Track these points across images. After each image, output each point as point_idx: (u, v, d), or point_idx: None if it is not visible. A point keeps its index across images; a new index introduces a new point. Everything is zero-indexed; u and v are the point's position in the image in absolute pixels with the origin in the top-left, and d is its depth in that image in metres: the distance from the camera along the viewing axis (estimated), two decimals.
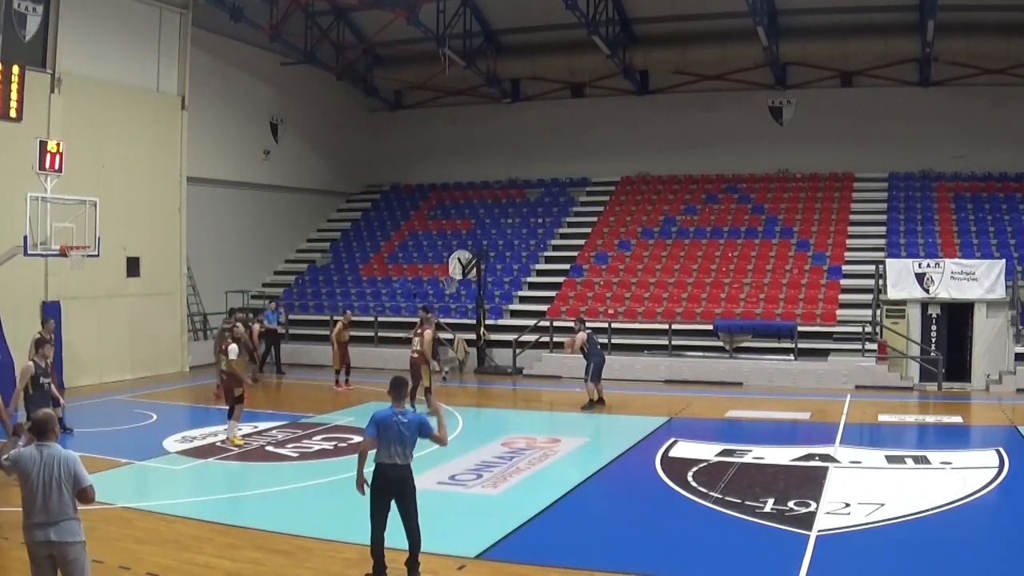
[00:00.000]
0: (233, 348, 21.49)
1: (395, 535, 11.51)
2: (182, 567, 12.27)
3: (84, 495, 9.30)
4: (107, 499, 15.07)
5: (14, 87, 25.94)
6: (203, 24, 34.94)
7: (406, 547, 11.60)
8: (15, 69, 25.82)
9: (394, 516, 11.51)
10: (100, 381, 28.97)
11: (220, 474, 18.33)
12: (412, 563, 11.67)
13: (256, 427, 22.20)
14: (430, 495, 16.03)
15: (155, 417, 22.48)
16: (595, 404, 25.67)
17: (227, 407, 21.09)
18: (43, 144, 23.96)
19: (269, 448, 20.09)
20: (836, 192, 38.55)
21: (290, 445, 20.39)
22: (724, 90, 40.69)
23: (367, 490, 11.62)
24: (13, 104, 25.87)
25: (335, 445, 20.32)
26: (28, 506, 9.13)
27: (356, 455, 12.04)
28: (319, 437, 21.17)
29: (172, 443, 20.63)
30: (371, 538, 11.53)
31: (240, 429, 20.95)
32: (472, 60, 39.22)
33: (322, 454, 19.46)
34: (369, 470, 11.61)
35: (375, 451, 11.56)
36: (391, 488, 11.51)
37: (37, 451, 9.23)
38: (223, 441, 20.68)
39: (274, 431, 21.55)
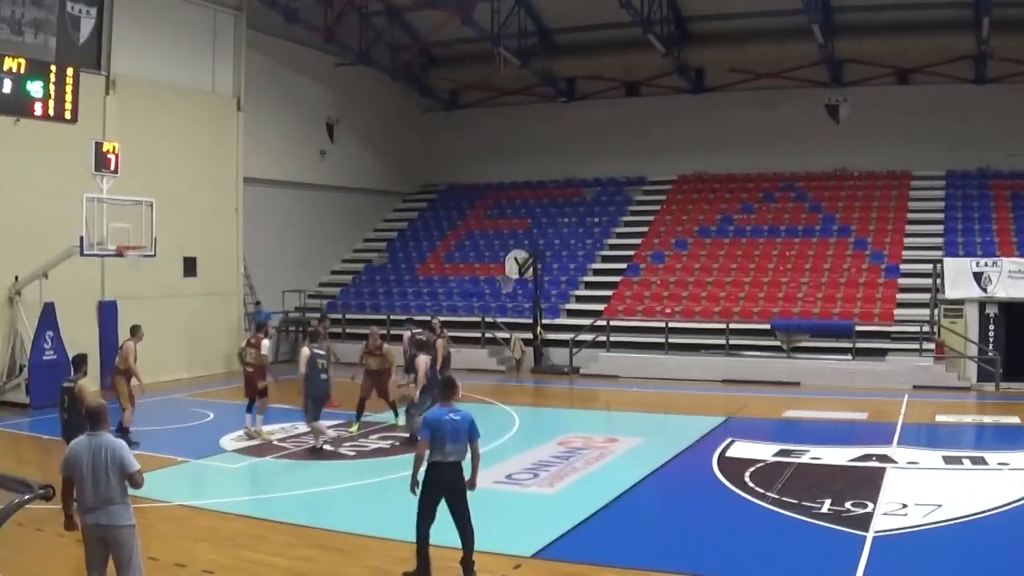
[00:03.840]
0: (265, 343, 21.80)
1: (449, 534, 11.57)
2: (237, 565, 12.40)
3: (132, 480, 9.66)
4: (164, 497, 15.42)
5: (69, 89, 26.22)
6: (258, 26, 35.25)
7: (460, 546, 11.67)
8: (70, 71, 26.09)
9: (445, 514, 11.58)
10: (157, 380, 29.28)
11: (277, 472, 18.53)
12: (467, 562, 11.73)
13: (367, 415, 22.45)
14: (486, 494, 16.06)
15: (212, 416, 22.68)
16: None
17: (248, 400, 21.55)
18: (99, 145, 24.24)
19: (326, 447, 20.23)
20: (893, 191, 38.21)
21: (347, 444, 20.52)
22: (780, 88, 40.48)
23: (418, 491, 11.70)
24: (68, 106, 26.20)
25: (392, 444, 20.48)
26: (80, 492, 9.50)
27: (412, 454, 12.14)
28: (376, 436, 21.32)
29: (229, 441, 20.89)
30: (418, 536, 11.61)
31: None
32: (527, 59, 39.29)
33: (379, 453, 19.61)
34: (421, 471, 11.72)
35: (429, 452, 11.64)
36: (443, 486, 11.63)
37: (88, 439, 9.63)
38: (246, 433, 21.18)
39: (330, 430, 21.58)
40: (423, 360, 20.00)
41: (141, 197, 25.07)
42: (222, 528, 14.26)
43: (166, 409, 24.66)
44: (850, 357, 29.78)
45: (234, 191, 34.39)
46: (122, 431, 19.25)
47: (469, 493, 11.78)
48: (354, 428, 21.70)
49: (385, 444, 20.45)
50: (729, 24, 37.36)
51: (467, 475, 11.78)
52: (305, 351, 20.06)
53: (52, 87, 25.84)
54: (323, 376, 19.86)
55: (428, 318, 29.74)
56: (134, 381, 20.31)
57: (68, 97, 26.12)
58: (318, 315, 32.71)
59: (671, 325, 32.40)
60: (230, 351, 32.20)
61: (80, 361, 16.34)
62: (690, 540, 13.65)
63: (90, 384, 25.76)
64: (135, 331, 22.36)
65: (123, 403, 20.40)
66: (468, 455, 11.83)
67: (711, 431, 21.74)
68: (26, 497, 7.55)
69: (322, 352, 20.08)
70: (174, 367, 29.99)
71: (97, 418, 9.78)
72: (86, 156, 24.14)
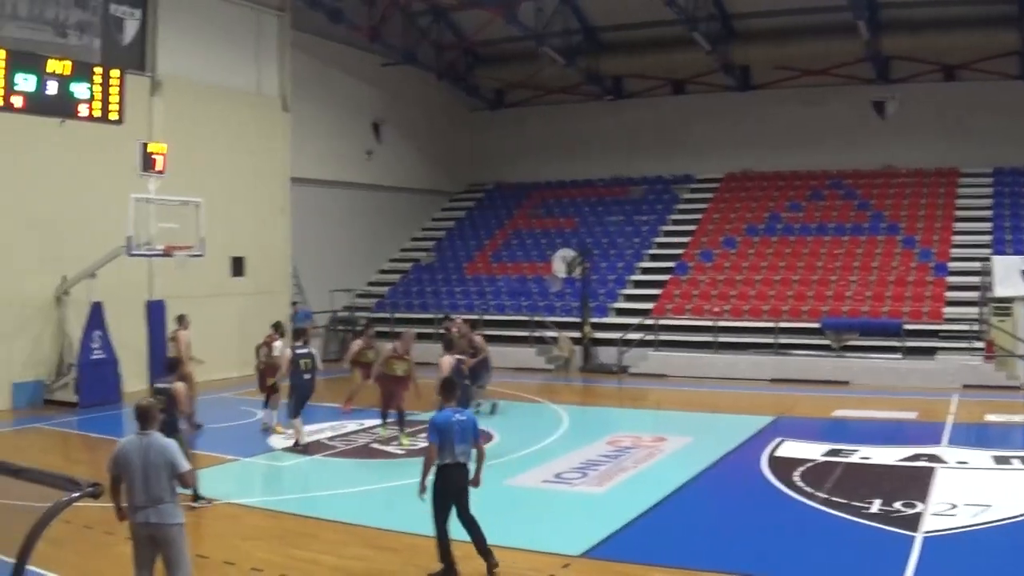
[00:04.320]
0: (277, 345, 22.22)
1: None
2: (287, 563, 12.49)
3: (183, 479, 9.86)
4: (213, 495, 15.57)
5: (115, 90, 26.55)
6: (302, 26, 35.63)
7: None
8: (115, 73, 26.40)
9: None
10: (206, 379, 29.54)
11: (326, 470, 18.65)
12: (484, 551, 11.85)
13: (362, 424, 22.59)
14: (535, 493, 16.30)
15: (260, 415, 22.81)
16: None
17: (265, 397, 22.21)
18: (145, 146, 24.55)
19: (375, 445, 20.41)
20: (941, 188, 37.94)
21: (396, 442, 20.60)
22: (826, 85, 40.29)
23: (427, 496, 11.85)
24: (114, 107, 26.51)
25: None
26: (130, 491, 9.64)
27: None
28: (425, 434, 21.19)
29: (278, 440, 21.09)
30: (439, 539, 11.77)
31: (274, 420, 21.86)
32: (572, 58, 39.37)
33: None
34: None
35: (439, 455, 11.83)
36: (455, 489, 11.82)
37: (137, 439, 9.79)
38: (264, 429, 21.77)
39: (378, 429, 21.75)
40: (447, 361, 19.69)
41: (188, 197, 25.32)
42: (272, 526, 14.45)
43: (215, 408, 24.79)
44: (899, 356, 29.66)
45: (281, 191, 34.73)
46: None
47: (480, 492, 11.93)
48: (383, 431, 21.50)
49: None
50: (774, 21, 37.22)
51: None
52: (288, 352, 20.31)
53: (98, 89, 26.20)
54: (306, 376, 20.06)
55: (475, 317, 29.92)
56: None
57: (114, 98, 26.45)
58: (365, 317, 33.02)
59: (720, 324, 32.41)
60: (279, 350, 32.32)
61: (175, 363, 16.40)
62: (739, 540, 13.64)
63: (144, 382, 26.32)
64: (182, 320, 22.77)
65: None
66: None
67: (760, 430, 21.72)
68: (74, 495, 7.68)
69: (305, 352, 20.20)
70: (223, 366, 30.18)
71: (146, 417, 9.92)
72: (132, 157, 24.45)
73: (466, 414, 12.17)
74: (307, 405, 20.09)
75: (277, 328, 23.35)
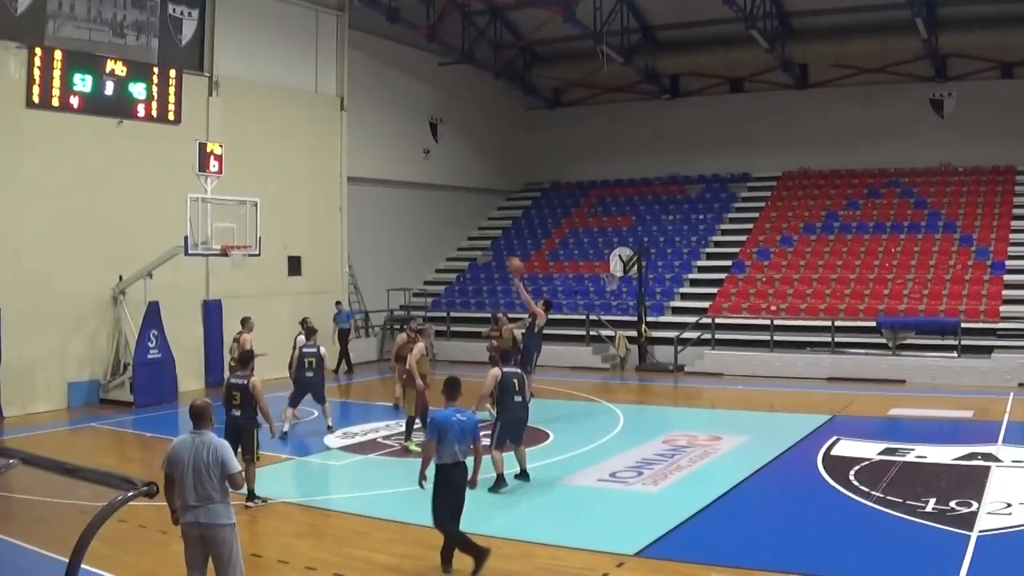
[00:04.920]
0: (301, 340, 22.94)
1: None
2: (340, 561, 12.56)
3: (232, 480, 9.86)
4: (267, 494, 15.76)
5: (172, 91, 27.00)
6: (360, 26, 35.91)
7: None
8: (172, 73, 26.85)
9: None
10: (262, 378, 29.74)
11: (381, 470, 18.76)
12: (447, 556, 12.10)
13: (418, 424, 22.74)
14: (589, 492, 16.41)
15: (316, 414, 22.93)
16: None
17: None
18: (203, 146, 24.69)
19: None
20: (998, 186, 37.75)
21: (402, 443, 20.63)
22: (884, 83, 40.22)
23: (427, 485, 12.11)
24: (172, 107, 26.91)
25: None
26: (181, 490, 9.71)
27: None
28: (480, 433, 21.26)
29: (333, 439, 21.28)
30: (451, 536, 12.03)
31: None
32: (630, 56, 39.42)
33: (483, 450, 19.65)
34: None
35: (438, 453, 12.07)
36: (455, 489, 12.05)
37: (191, 438, 9.87)
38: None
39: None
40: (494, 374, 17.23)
41: (245, 197, 25.49)
42: (325, 525, 14.64)
43: (271, 407, 25.00)
44: (955, 354, 29.53)
45: (338, 190, 35.08)
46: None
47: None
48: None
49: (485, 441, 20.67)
50: (832, 19, 37.18)
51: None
52: (296, 351, 22.29)
53: (155, 89, 26.64)
54: (308, 374, 21.81)
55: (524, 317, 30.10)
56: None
57: (171, 98, 26.93)
58: (421, 316, 33.34)
59: (776, 323, 32.37)
60: (335, 349, 32.61)
61: (248, 358, 16.63)
62: (794, 539, 13.75)
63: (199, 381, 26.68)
64: (245, 322, 23.17)
65: None
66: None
67: (816, 429, 21.71)
68: (129, 494, 7.84)
69: (312, 350, 21.83)
70: (280, 365, 30.47)
71: (201, 417, 9.97)
72: (190, 157, 24.60)
73: (467, 414, 12.34)
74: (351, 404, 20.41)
75: (304, 324, 23.94)
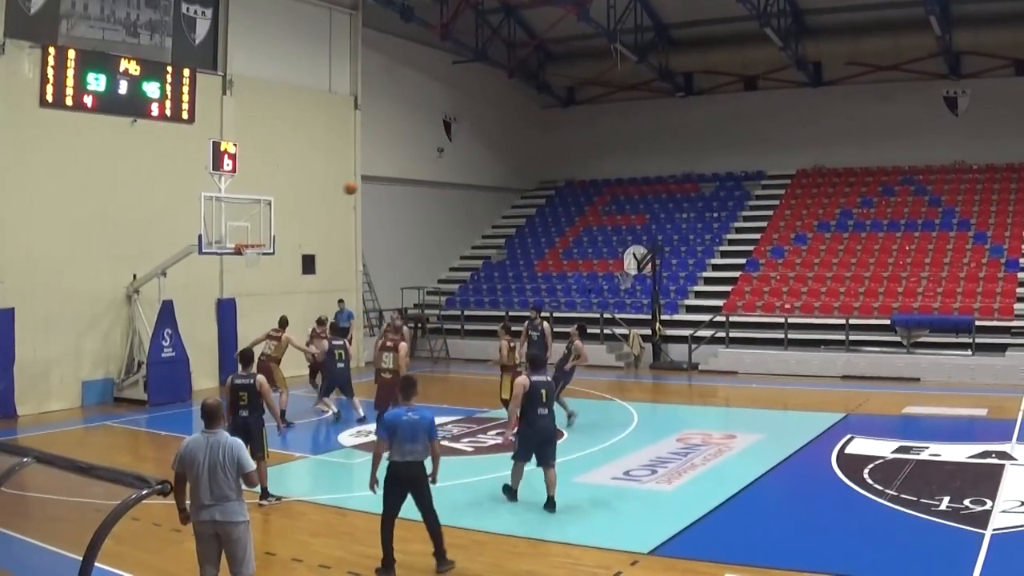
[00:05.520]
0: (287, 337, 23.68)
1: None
2: (354, 559, 12.54)
3: (248, 479, 9.97)
4: (282, 492, 15.80)
5: (186, 90, 27.07)
6: (373, 24, 35.95)
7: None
8: (186, 72, 26.89)
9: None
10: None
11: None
12: (439, 553, 12.03)
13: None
14: (604, 490, 16.38)
15: (331, 412, 23.12)
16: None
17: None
18: (216, 145, 24.68)
19: (444, 443, 20.45)
20: (1013, 183, 37.66)
21: (465, 440, 20.78)
22: (898, 80, 40.15)
23: (378, 490, 12.11)
24: (185, 106, 26.96)
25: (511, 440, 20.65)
26: (195, 488, 9.73)
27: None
28: (494, 432, 21.25)
29: (347, 438, 21.27)
30: (382, 527, 11.97)
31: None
32: (644, 55, 39.41)
33: (496, 448, 19.21)
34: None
35: (389, 451, 12.05)
36: (404, 485, 11.98)
37: (204, 437, 9.90)
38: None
39: (449, 425, 21.87)
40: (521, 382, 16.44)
41: (259, 195, 25.48)
42: (339, 523, 14.59)
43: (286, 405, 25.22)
44: (970, 352, 29.50)
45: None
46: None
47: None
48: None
49: (503, 440, 20.63)
50: (846, 16, 37.13)
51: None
52: (324, 343, 23.85)
53: (169, 88, 26.69)
54: (339, 365, 23.03)
55: (545, 315, 29.94)
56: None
57: (185, 97, 27.01)
58: (435, 314, 33.57)
59: (791, 321, 32.30)
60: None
61: (250, 357, 16.56)
62: (808, 537, 13.71)
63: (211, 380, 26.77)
64: (285, 323, 23.78)
65: (281, 386, 22.38)
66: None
67: (830, 427, 21.69)
68: (143, 492, 7.86)
69: (339, 343, 23.25)
70: (295, 364, 30.49)
71: (213, 416, 10.04)
72: (204, 155, 24.60)
73: (420, 413, 12.18)
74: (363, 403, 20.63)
75: (284, 326, 23.99)
